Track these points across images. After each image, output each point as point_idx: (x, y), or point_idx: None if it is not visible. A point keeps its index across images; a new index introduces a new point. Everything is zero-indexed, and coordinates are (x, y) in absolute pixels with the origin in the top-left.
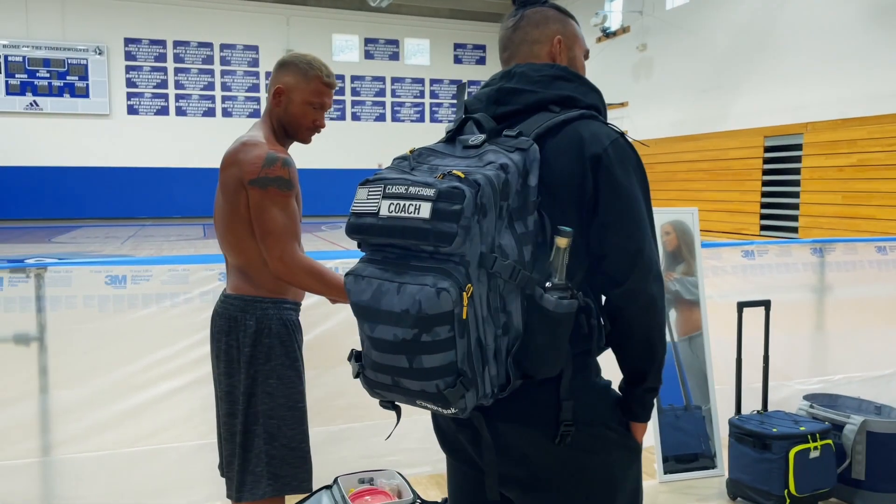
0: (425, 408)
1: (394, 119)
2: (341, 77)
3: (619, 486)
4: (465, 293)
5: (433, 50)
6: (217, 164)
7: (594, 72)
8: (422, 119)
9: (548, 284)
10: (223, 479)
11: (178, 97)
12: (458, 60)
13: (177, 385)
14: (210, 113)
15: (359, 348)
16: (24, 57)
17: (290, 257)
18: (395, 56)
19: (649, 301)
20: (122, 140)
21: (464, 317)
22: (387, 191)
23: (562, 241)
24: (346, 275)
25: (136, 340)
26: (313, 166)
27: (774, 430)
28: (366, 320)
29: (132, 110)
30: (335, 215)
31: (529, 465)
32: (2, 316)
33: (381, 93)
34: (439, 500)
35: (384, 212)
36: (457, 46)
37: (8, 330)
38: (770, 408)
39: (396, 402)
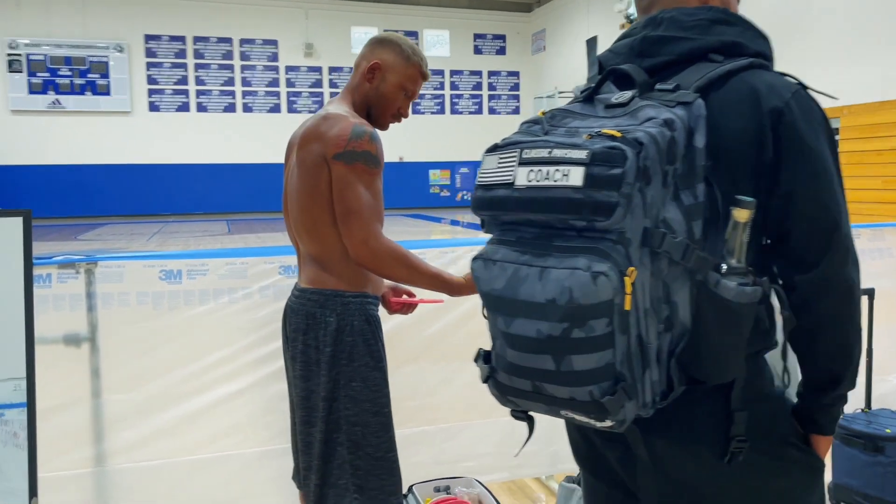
0: (571, 419)
1: (414, 112)
2: None
3: None
4: (627, 278)
5: (453, 41)
6: (237, 159)
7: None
8: (442, 111)
9: (724, 268)
10: (289, 489)
11: (198, 93)
12: (477, 51)
13: (237, 387)
14: (230, 108)
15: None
16: (45, 55)
17: (375, 241)
18: None
19: (847, 289)
20: (144, 137)
21: (626, 307)
22: (524, 156)
23: (741, 214)
24: (474, 259)
25: (193, 339)
26: None
27: (888, 430)
28: (500, 313)
29: (153, 107)
30: None
31: (693, 491)
32: (50, 315)
33: None
34: None
35: (521, 181)
36: (476, 37)
37: (57, 330)
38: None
39: (531, 412)
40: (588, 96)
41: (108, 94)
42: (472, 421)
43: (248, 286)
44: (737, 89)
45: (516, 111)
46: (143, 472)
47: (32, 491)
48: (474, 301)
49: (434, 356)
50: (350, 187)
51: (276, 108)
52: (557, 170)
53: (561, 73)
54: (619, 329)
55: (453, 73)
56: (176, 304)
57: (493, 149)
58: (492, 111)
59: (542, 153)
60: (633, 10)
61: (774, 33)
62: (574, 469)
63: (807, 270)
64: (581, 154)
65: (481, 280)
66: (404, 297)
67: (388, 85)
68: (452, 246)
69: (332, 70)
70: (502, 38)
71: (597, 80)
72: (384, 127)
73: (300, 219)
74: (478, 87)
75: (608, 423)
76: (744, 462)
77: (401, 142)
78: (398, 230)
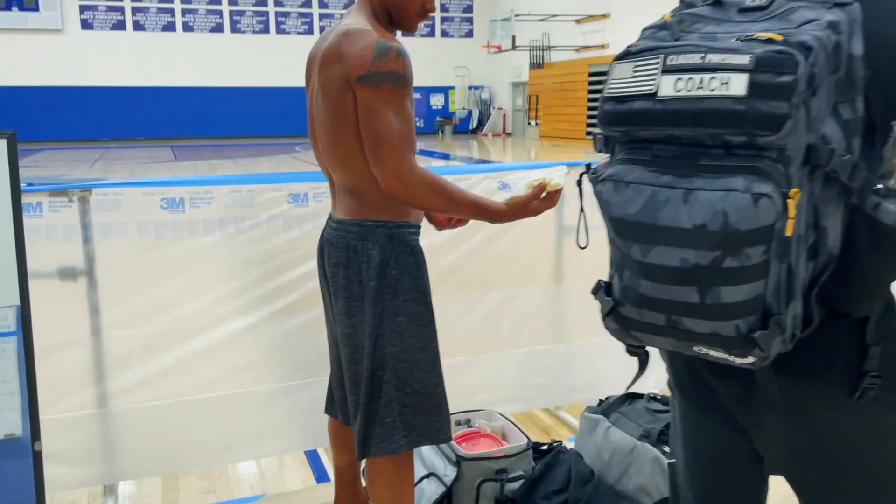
0: (705, 356)
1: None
2: None
3: None
4: (790, 200)
5: None
6: (178, 82)
7: None
8: (311, 31)
9: (880, 188)
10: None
11: (134, 10)
12: None
13: (248, 323)
14: (170, 27)
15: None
16: None
17: (408, 172)
18: None
19: None
20: (78, 57)
21: (788, 233)
22: (669, 62)
23: None
24: (600, 180)
25: (201, 272)
26: (283, 84)
27: None
28: (635, 241)
29: (86, 25)
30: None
31: (818, 429)
32: (43, 246)
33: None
34: (553, 443)
35: (667, 91)
36: None
37: (51, 263)
38: None
39: (648, 348)
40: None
41: (36, 9)
42: (488, 353)
43: (255, 216)
44: None
45: (469, 34)
46: (151, 413)
47: (35, 434)
48: (489, 231)
49: (448, 289)
50: (377, 113)
51: (218, 28)
52: (714, 77)
53: None
54: (775, 257)
55: None
56: (179, 235)
57: (625, 55)
58: (444, 34)
59: (693, 59)
60: None
61: None
62: (588, 400)
63: None
64: (743, 59)
65: (611, 204)
66: None
67: None
68: (467, 173)
69: None
70: None
71: None
72: (413, 28)
73: (330, 149)
74: (349, 3)
75: (750, 360)
76: (873, 399)
77: None
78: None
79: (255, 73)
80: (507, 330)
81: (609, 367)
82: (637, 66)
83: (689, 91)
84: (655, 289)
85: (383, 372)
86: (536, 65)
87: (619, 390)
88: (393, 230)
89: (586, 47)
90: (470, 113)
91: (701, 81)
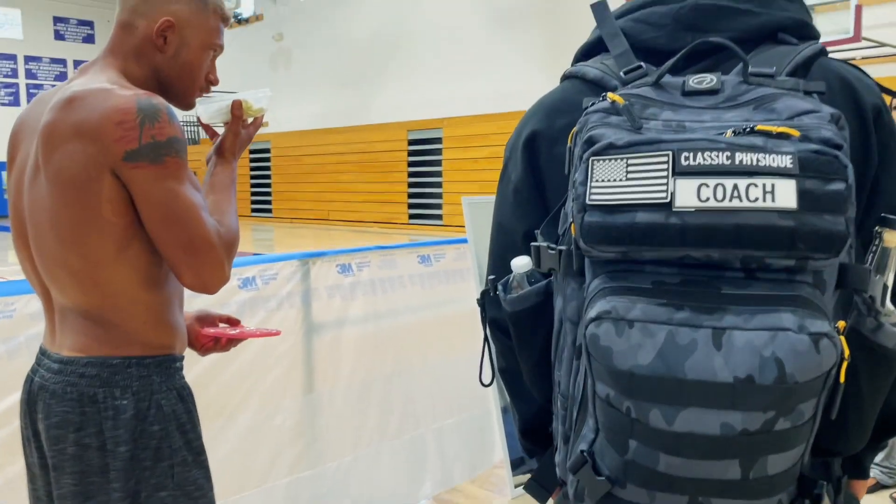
0: None
1: None
2: None
3: None
4: (842, 337)
5: (26, 23)
6: None
7: (227, 60)
8: (17, 102)
9: (880, 308)
10: None
11: None
12: (59, 36)
13: None
14: None
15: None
16: None
17: (227, 248)
18: None
19: None
20: None
21: (842, 379)
22: (683, 162)
23: (893, 238)
24: (594, 320)
25: None
26: None
27: None
28: (653, 402)
29: None
30: None
31: None
32: None
33: None
34: None
35: (687, 200)
36: (57, 20)
37: None
38: None
39: None
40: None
41: None
42: (246, 493)
43: None
44: (825, 80)
45: None
46: None
47: None
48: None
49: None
50: (173, 198)
51: None
52: (754, 184)
53: None
54: (821, 410)
55: (29, 59)
56: None
57: (606, 149)
58: None
59: (718, 158)
60: (241, 11)
61: (380, 50)
62: None
63: None
64: (784, 161)
65: (615, 352)
66: (221, 326)
67: (190, 50)
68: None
69: None
70: (89, 23)
71: (629, 58)
72: (192, 105)
73: (59, 258)
74: (62, 77)
75: None
76: None
77: None
78: None
79: None
80: (265, 459)
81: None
82: (633, 165)
83: (720, 201)
84: (683, 465)
85: None
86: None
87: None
88: (152, 369)
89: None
90: None
91: (735, 189)
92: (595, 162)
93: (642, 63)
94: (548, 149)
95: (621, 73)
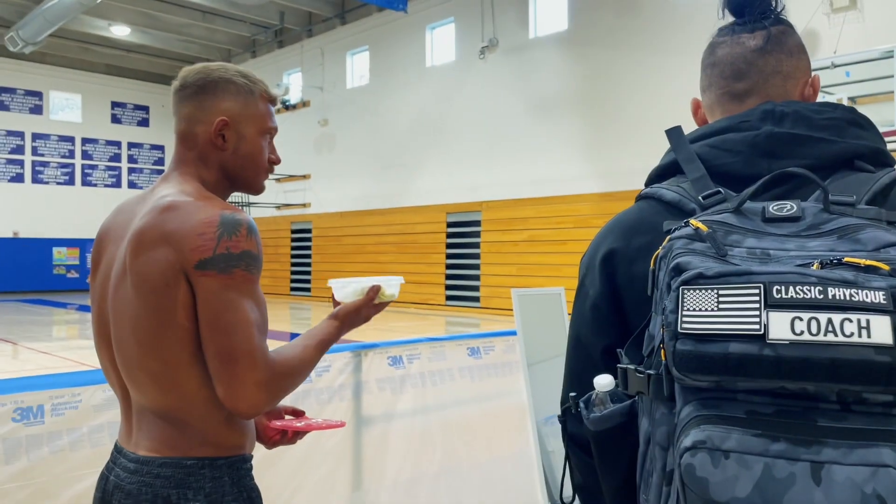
0: None
1: (35, 181)
2: None
3: None
4: None
5: (86, 107)
6: None
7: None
8: (71, 182)
9: None
10: None
11: None
12: (116, 120)
13: None
14: None
15: None
16: None
17: (274, 379)
18: (37, 109)
19: None
20: None
21: None
22: (775, 295)
23: None
24: (689, 449)
25: None
26: None
27: None
28: None
29: None
30: None
31: None
32: None
33: (20, 150)
34: None
35: (782, 333)
36: (115, 105)
37: None
38: None
39: None
40: (737, 206)
41: None
42: None
43: None
44: None
45: None
46: None
47: None
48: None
49: None
50: (231, 309)
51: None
52: (848, 319)
53: None
54: None
55: (86, 140)
56: None
57: (695, 278)
58: (132, 185)
59: (811, 292)
60: (288, 98)
61: (421, 135)
62: None
63: None
64: (877, 296)
65: (711, 484)
66: (287, 418)
67: (247, 141)
68: None
69: None
70: (145, 108)
71: (707, 182)
72: (263, 188)
73: (136, 358)
74: (116, 158)
75: None
76: None
77: (16, 214)
78: (9, 319)
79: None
80: None
81: None
82: (724, 296)
83: (815, 335)
84: None
85: None
86: None
87: None
88: (224, 470)
89: (287, 205)
90: None
91: (829, 323)
92: (686, 291)
93: (721, 189)
94: (626, 267)
95: (700, 198)
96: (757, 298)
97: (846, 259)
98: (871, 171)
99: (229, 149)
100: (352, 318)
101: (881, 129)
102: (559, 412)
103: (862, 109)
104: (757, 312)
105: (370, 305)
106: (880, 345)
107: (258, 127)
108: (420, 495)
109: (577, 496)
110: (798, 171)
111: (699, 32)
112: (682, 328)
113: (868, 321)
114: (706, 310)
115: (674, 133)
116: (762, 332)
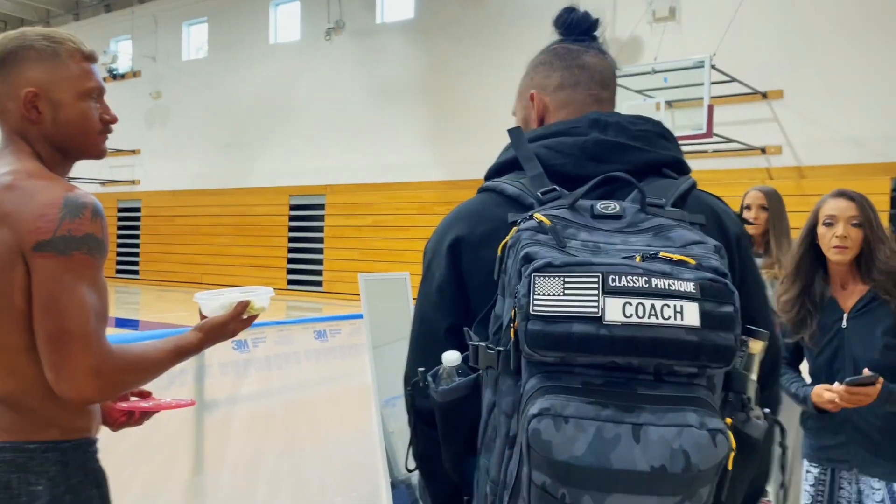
0: None
1: None
2: None
3: None
4: (730, 432)
5: None
6: None
7: None
8: None
9: (753, 406)
10: None
11: None
12: None
13: None
14: None
15: None
16: None
17: (109, 367)
18: None
19: None
20: None
21: (730, 466)
22: (610, 283)
23: (757, 346)
24: (535, 416)
25: None
26: None
27: None
28: (584, 489)
29: None
30: None
31: None
32: None
33: None
34: None
35: (615, 315)
36: None
37: None
38: None
39: None
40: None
41: None
42: None
43: None
44: (699, 210)
45: None
46: None
47: None
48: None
49: None
50: (67, 290)
51: None
52: (667, 304)
53: None
54: (714, 495)
55: None
56: None
57: (545, 267)
58: None
59: (638, 282)
60: (117, 67)
61: (263, 114)
62: None
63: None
64: (688, 286)
65: (554, 446)
66: (133, 399)
67: (65, 107)
68: None
69: None
70: None
71: (544, 180)
72: (102, 151)
73: None
74: None
75: None
76: None
77: None
78: None
79: None
80: None
81: None
82: (568, 282)
83: (641, 318)
84: None
85: None
86: None
87: None
88: (68, 453)
89: (114, 181)
90: None
91: (653, 308)
92: (537, 278)
93: (556, 186)
94: (471, 253)
95: (539, 194)
96: (596, 286)
97: (662, 254)
98: (674, 177)
99: (47, 120)
100: (217, 332)
101: (692, 133)
102: (403, 391)
103: (677, 113)
104: (596, 298)
105: (238, 320)
106: (690, 326)
107: (74, 90)
108: (261, 478)
109: (418, 464)
110: (622, 176)
111: (544, 30)
112: (533, 310)
113: (682, 307)
114: (554, 294)
115: (515, 133)
116: (599, 314)
